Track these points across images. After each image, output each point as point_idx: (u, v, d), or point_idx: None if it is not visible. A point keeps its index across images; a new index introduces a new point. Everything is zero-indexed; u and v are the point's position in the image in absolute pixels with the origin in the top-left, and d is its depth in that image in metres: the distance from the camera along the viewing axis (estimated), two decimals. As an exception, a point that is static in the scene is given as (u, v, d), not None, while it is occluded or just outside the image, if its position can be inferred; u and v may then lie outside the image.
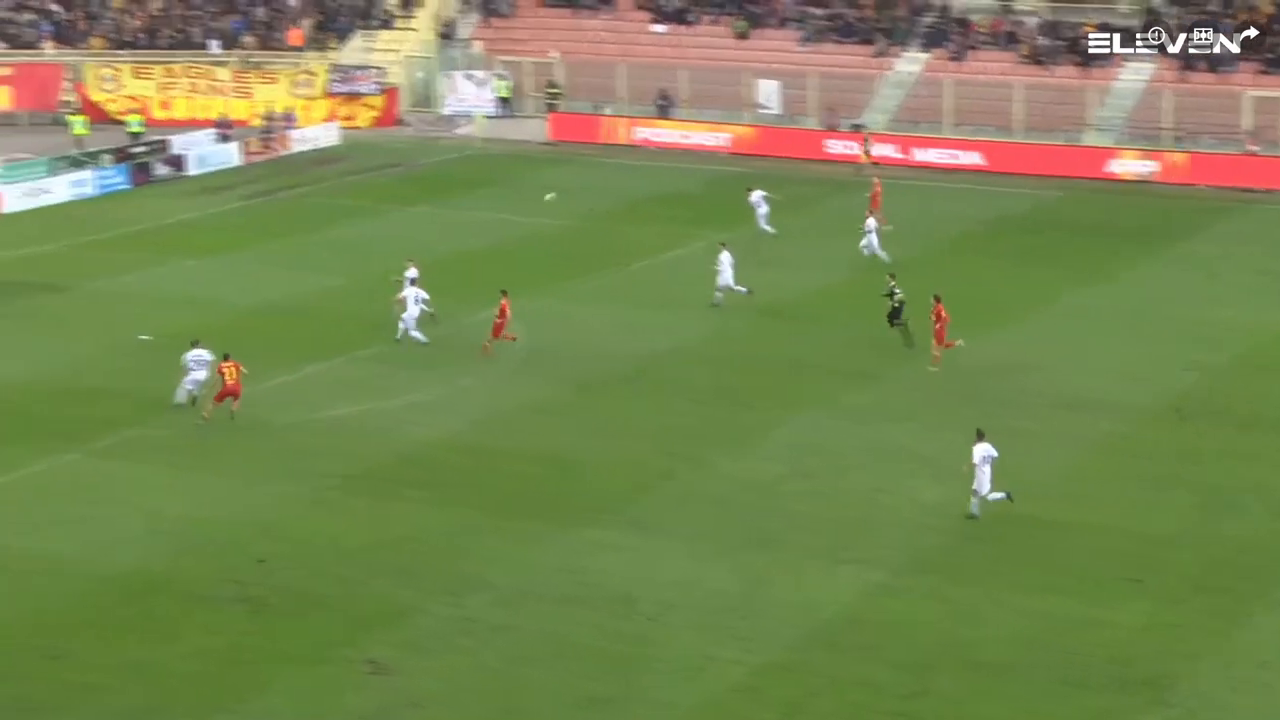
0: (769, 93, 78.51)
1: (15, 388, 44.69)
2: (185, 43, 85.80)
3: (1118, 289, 54.06)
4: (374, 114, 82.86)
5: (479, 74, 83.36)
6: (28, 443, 40.46)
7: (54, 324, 48.33)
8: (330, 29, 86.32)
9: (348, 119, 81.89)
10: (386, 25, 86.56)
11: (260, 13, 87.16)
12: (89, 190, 68.80)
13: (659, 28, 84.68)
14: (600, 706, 28.69)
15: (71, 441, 40.42)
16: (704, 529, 35.65)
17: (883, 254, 55.60)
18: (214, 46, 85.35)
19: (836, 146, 75.11)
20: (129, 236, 61.22)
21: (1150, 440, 40.65)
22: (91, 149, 72.86)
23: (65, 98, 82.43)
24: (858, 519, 36.22)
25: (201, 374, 42.03)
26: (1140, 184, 69.71)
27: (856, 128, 75.97)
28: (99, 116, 79.87)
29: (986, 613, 31.71)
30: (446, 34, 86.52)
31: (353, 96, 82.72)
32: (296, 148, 77.44)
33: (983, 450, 35.48)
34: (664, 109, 79.69)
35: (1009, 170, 71.67)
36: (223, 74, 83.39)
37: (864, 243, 56.42)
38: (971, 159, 73.52)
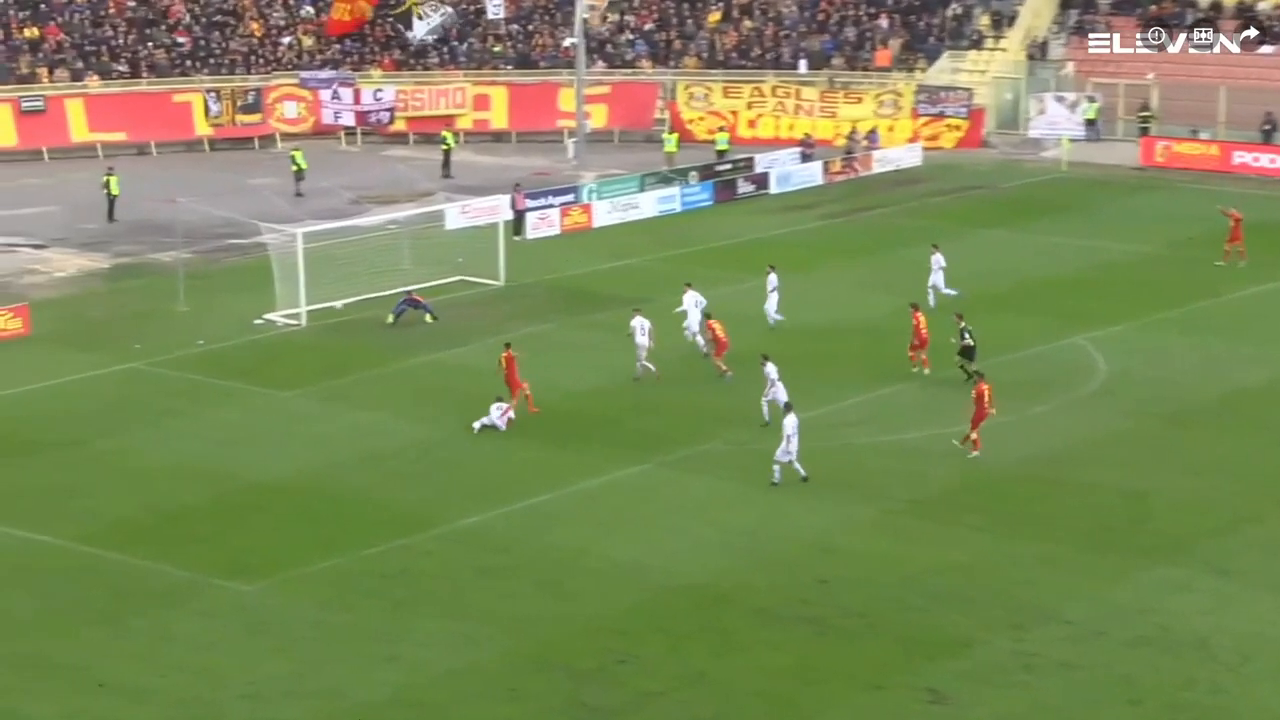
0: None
1: (594, 396, 46.05)
2: (775, 62, 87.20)
3: None
4: (958, 135, 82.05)
5: (1069, 96, 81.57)
6: (605, 451, 41.61)
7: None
8: (918, 49, 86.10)
9: (931, 140, 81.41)
10: (976, 45, 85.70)
11: (850, 33, 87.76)
12: (675, 206, 70.53)
13: (1267, 49, 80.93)
14: (1170, 758, 27.39)
15: (646, 452, 41.34)
16: (1291, 578, 33.64)
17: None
18: (802, 66, 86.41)
19: None
20: (710, 253, 62.34)
21: None
22: (680, 166, 74.88)
23: (659, 116, 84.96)
24: None
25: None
26: None
27: None
28: (687, 135, 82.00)
29: None
30: (1036, 55, 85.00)
31: (938, 117, 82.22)
32: (878, 168, 77.44)
33: (793, 422, 38.16)
34: (1268, 134, 76.00)
35: None
36: (809, 93, 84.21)
37: None
38: None
